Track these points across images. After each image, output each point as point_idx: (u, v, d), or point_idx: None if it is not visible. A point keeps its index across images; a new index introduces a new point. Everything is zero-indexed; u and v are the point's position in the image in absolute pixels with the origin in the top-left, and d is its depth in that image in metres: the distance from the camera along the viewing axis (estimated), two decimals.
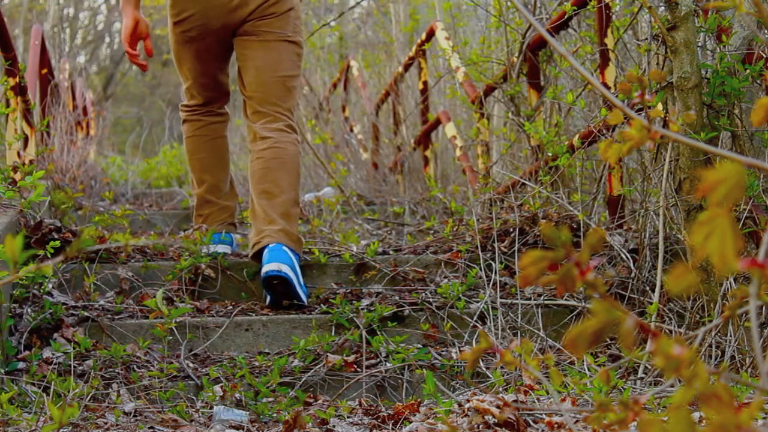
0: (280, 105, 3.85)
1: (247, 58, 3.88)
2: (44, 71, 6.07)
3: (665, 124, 3.01)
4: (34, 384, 2.84)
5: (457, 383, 3.03)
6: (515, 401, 2.33)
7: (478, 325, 3.32)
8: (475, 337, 3.31)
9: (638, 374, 2.85)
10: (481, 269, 3.59)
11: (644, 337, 2.76)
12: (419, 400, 2.62)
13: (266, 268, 3.48)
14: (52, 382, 2.73)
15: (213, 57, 3.95)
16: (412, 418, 2.45)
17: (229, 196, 4.11)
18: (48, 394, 2.72)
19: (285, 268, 3.48)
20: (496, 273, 3.54)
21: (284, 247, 3.56)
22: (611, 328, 0.94)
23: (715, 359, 2.81)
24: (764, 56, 3.10)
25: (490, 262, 3.65)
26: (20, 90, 4.54)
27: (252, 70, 3.86)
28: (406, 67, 7.06)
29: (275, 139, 3.78)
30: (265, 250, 3.55)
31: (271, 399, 2.84)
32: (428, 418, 2.40)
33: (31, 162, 4.66)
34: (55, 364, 2.95)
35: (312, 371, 3.05)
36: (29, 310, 3.20)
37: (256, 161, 3.77)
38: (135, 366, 3.01)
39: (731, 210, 0.87)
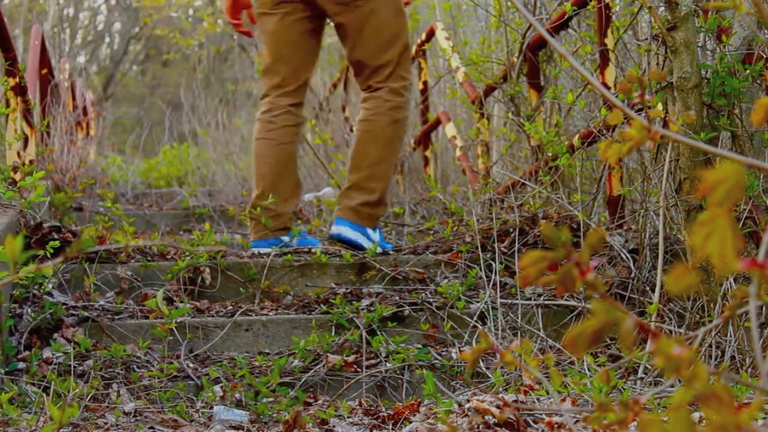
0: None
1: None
2: (44, 71, 6.07)
3: (665, 124, 3.01)
4: (34, 384, 2.84)
5: (457, 383, 3.03)
6: (515, 401, 2.33)
7: (478, 325, 3.32)
8: (475, 337, 3.31)
9: (638, 374, 2.85)
10: (481, 269, 3.59)
11: (644, 337, 2.76)
12: (419, 400, 2.62)
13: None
14: (52, 382, 2.73)
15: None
16: (412, 418, 2.45)
17: (286, 202, 4.11)
18: (48, 394, 2.72)
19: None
20: (496, 273, 3.54)
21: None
22: (611, 328, 0.94)
23: (715, 359, 2.81)
24: (764, 56, 3.09)
25: (490, 262, 3.65)
26: (20, 90, 4.54)
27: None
28: None
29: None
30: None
31: (271, 399, 2.84)
32: (428, 418, 2.40)
33: (31, 162, 4.66)
34: (55, 364, 2.95)
35: (312, 371, 3.05)
36: (29, 310, 3.20)
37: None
38: (135, 366, 3.01)
39: (731, 210, 0.87)
